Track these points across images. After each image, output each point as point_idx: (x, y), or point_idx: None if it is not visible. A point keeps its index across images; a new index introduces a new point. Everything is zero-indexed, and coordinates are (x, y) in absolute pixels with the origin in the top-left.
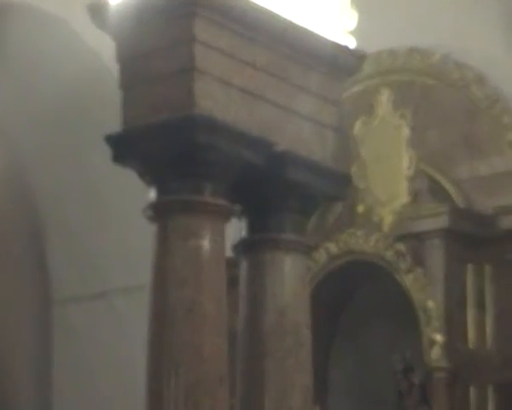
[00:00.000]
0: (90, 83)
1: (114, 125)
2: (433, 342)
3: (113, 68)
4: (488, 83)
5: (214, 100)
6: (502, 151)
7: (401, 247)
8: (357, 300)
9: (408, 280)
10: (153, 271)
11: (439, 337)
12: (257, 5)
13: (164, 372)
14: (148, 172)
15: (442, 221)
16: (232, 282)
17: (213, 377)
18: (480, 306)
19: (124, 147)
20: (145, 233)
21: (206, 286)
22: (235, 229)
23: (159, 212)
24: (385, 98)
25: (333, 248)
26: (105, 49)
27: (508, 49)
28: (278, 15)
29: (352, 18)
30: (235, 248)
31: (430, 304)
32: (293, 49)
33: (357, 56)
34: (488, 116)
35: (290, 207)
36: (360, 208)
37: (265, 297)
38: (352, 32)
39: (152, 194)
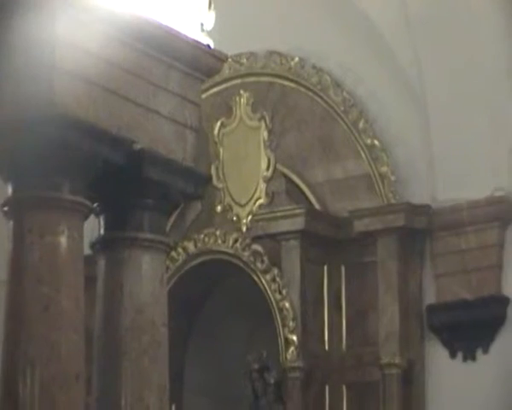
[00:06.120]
0: None
1: None
2: (288, 343)
3: None
4: (345, 88)
5: (74, 98)
6: (357, 155)
7: (258, 247)
8: (214, 299)
9: (265, 281)
10: (9, 267)
11: (294, 338)
12: (118, 3)
13: (19, 370)
14: (5, 167)
15: (298, 223)
16: (90, 280)
17: (69, 375)
18: (336, 307)
19: None
20: (1, 229)
21: (63, 284)
22: (94, 226)
23: (15, 208)
24: (244, 100)
25: (191, 247)
26: None
27: (364, 55)
28: (139, 13)
29: (209, 19)
30: (93, 245)
31: (286, 305)
32: (154, 47)
33: (218, 57)
34: (344, 120)
35: (148, 205)
36: (219, 208)
37: (122, 296)
38: (211, 34)
39: (9, 189)
